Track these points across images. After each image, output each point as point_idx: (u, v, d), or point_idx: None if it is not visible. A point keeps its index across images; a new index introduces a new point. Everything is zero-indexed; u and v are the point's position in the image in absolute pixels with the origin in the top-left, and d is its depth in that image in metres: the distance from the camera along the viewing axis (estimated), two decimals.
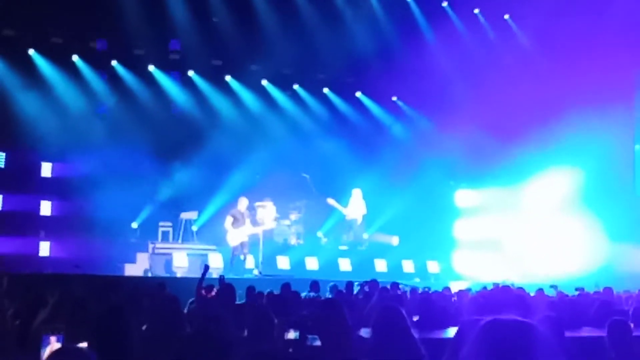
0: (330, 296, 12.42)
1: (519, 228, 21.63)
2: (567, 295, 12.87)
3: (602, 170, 21.17)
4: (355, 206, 21.28)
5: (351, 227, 21.44)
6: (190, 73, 22.29)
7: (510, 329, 2.30)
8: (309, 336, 6.79)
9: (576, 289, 14.28)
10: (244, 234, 18.71)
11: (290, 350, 6.26)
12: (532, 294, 12.68)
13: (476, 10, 23.41)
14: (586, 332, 9.17)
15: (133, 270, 18.77)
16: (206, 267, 12.12)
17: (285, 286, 12.29)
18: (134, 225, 21.21)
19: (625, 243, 20.50)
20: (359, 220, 21.28)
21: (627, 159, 23.86)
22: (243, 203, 19.29)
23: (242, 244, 18.70)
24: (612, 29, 20.85)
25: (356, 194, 21.33)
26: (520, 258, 21.51)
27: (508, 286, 13.72)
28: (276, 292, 11.59)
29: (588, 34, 20.95)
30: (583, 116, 19.93)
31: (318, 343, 6.01)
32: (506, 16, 23.56)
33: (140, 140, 21.41)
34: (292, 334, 6.76)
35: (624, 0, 20.88)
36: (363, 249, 21.23)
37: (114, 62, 21.57)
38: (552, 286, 15.72)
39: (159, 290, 10.88)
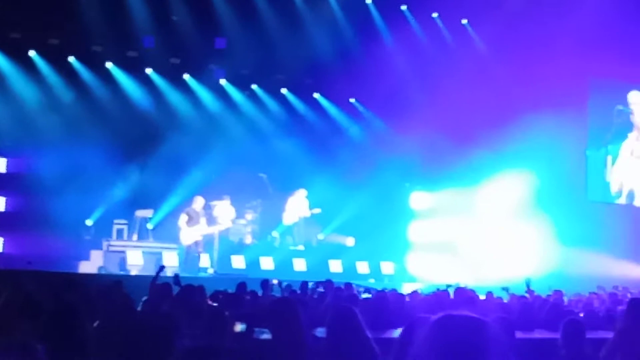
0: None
1: (473, 231, 21.81)
2: (518, 298, 13.01)
3: (555, 175, 21.45)
4: (294, 209, 21.30)
5: (291, 232, 21.51)
6: (149, 71, 22.12)
7: (463, 324, 2.27)
8: (256, 329, 6.81)
9: (527, 291, 14.45)
10: (198, 233, 18.65)
11: (236, 343, 6.26)
12: (483, 297, 12.83)
13: (434, 15, 23.55)
14: (537, 333, 9.29)
15: (87, 267, 18.62)
16: (161, 267, 12.08)
17: (241, 285, 12.29)
18: (89, 222, 21.02)
19: (576, 247, 20.79)
20: (300, 221, 21.33)
21: (579, 164, 24.24)
22: (199, 202, 19.24)
23: (196, 243, 18.65)
24: (567, 37, 21.19)
25: (298, 195, 21.37)
26: (473, 261, 21.68)
27: (460, 288, 13.83)
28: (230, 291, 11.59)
29: (544, 40, 21.27)
30: (537, 121, 20.19)
31: (266, 336, 6.03)
32: (464, 21, 23.75)
33: (96, 137, 21.24)
34: (238, 327, 6.77)
35: (579, 9, 21.20)
36: (299, 248, 21.26)
37: (71, 59, 21.33)
38: (503, 288, 15.89)
39: (114, 287, 10.80)
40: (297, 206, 21.36)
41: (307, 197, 21.43)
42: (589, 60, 22.44)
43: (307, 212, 21.29)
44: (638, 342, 6.63)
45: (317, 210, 21.18)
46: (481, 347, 2.20)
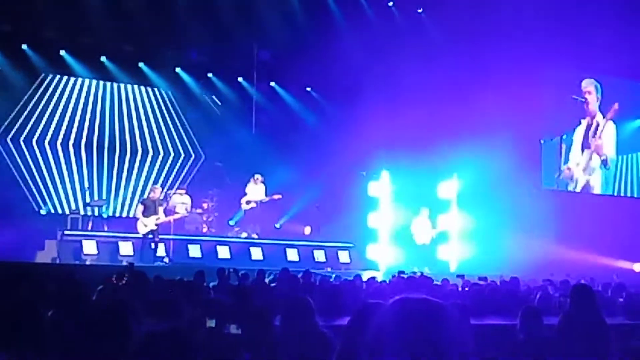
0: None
1: (430, 218, 21.94)
2: (473, 284, 13.14)
3: (510, 163, 21.63)
4: (253, 193, 21.25)
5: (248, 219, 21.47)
6: (103, 59, 21.90)
7: (421, 307, 2.26)
8: (227, 325, 6.79)
9: (479, 279, 14.60)
10: (154, 223, 18.56)
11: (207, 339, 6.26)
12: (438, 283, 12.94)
13: (390, 3, 23.62)
14: (492, 319, 9.38)
15: (41, 257, 18.43)
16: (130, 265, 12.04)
17: (199, 274, 12.25)
18: (42, 211, 20.84)
19: (531, 235, 21.02)
20: (257, 208, 21.29)
21: (534, 152, 24.50)
22: (155, 192, 19.14)
23: (152, 232, 18.54)
24: (521, 27, 21.36)
25: (256, 180, 21.29)
26: (430, 249, 21.83)
27: (416, 274, 13.95)
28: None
29: (498, 30, 21.40)
30: (492, 110, 20.36)
31: (235, 331, 6.02)
32: (419, 10, 23.86)
33: (52, 126, 21.09)
34: (209, 323, 6.74)
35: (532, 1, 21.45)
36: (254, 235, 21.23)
37: (24, 46, 21.04)
38: (458, 275, 16.05)
39: (68, 276, 10.71)
40: (256, 191, 21.28)
41: (263, 182, 21.34)
42: (542, 50, 22.69)
43: (265, 197, 21.21)
44: (580, 326, 6.84)
45: (277, 196, 21.12)
46: (438, 329, 2.19)
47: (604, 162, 25.69)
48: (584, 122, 25.47)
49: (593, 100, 25.61)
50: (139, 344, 2.83)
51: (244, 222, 21.51)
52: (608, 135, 25.79)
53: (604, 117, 25.65)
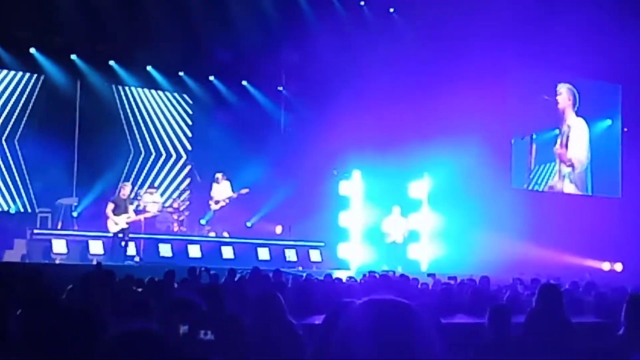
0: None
1: (402, 219, 22.01)
2: (443, 284, 13.19)
3: (481, 163, 21.75)
4: (219, 193, 21.20)
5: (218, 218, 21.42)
6: (73, 57, 21.72)
7: (389, 308, 2.26)
8: (201, 331, 6.74)
9: (449, 278, 14.66)
10: (124, 221, 18.47)
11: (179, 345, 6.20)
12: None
13: (362, 2, 23.65)
14: (461, 318, 9.42)
15: (10, 256, 18.28)
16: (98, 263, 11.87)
17: (169, 273, 12.20)
18: (11, 210, 20.67)
19: (502, 234, 21.14)
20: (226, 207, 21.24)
21: (505, 152, 24.65)
22: (126, 190, 19.04)
23: (123, 231, 18.45)
24: (492, 27, 21.48)
25: (219, 179, 21.23)
26: (401, 248, 21.91)
27: (387, 274, 13.98)
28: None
29: (470, 30, 21.51)
30: (463, 109, 20.46)
31: (210, 338, 5.97)
32: (391, 9, 23.92)
33: (20, 124, 20.92)
34: (181, 329, 6.69)
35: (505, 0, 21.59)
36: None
37: None
38: (429, 274, 16.12)
39: (37, 276, 10.62)
40: (221, 190, 21.21)
41: (227, 179, 21.26)
42: (509, 51, 22.86)
43: (232, 194, 21.14)
44: (546, 324, 6.93)
45: (245, 191, 21.06)
46: (407, 330, 2.19)
47: (572, 167, 25.93)
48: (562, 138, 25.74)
49: (566, 104, 25.82)
50: (107, 344, 2.80)
51: (214, 222, 21.45)
52: (577, 139, 26.00)
53: (580, 121, 25.96)
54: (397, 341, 2.18)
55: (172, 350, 2.78)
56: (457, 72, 21.40)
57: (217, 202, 21.17)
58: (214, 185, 21.25)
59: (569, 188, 25.95)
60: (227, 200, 21.12)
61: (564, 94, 25.82)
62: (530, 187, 25.49)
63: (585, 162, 26.18)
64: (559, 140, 25.77)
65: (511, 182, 25.05)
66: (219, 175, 21.21)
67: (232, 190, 21.15)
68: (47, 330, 3.98)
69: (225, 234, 21.14)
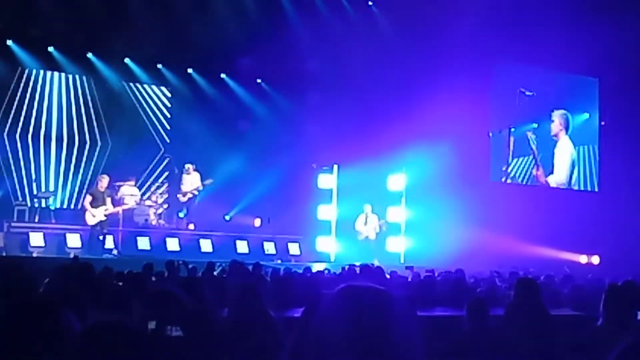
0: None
1: (374, 216, 22.06)
2: (420, 276, 13.24)
3: (459, 156, 21.83)
4: (188, 184, 21.16)
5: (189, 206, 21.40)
6: (50, 49, 21.56)
7: (366, 294, 2.23)
8: (168, 327, 6.71)
9: (427, 271, 14.70)
10: (102, 214, 18.40)
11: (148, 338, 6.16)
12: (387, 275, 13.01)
13: None
14: (440, 310, 9.47)
15: None
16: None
17: (147, 266, 12.16)
18: None
19: (480, 227, 21.20)
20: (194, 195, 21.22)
21: (483, 145, 24.74)
22: (103, 182, 18.96)
23: (101, 224, 18.38)
24: (470, 20, 21.49)
25: (189, 171, 21.18)
26: (380, 242, 21.96)
27: (366, 265, 13.98)
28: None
29: (448, 22, 21.52)
30: (441, 102, 20.48)
31: (178, 334, 5.95)
32: (370, 2, 23.91)
33: None
34: (150, 325, 6.65)
35: None
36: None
37: None
38: (407, 267, 16.17)
39: (14, 269, 10.54)
40: (191, 181, 21.17)
41: (196, 169, 21.20)
42: (491, 44, 22.91)
43: (200, 185, 21.11)
44: (525, 317, 6.99)
45: (208, 181, 21.03)
46: (384, 317, 2.17)
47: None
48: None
49: (558, 130, 26.07)
50: (79, 336, 2.77)
51: (190, 215, 21.44)
52: (561, 165, 26.25)
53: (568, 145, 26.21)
54: (374, 326, 2.15)
55: (143, 344, 2.76)
56: (436, 66, 21.46)
57: (184, 195, 21.15)
58: (184, 176, 21.20)
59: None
60: (196, 192, 21.08)
61: (557, 120, 26.06)
62: (508, 181, 25.58)
63: (565, 182, 26.40)
64: (534, 169, 25.97)
65: (489, 175, 25.14)
66: (189, 166, 21.17)
67: (202, 181, 21.10)
68: (25, 323, 3.94)
69: (190, 226, 21.09)
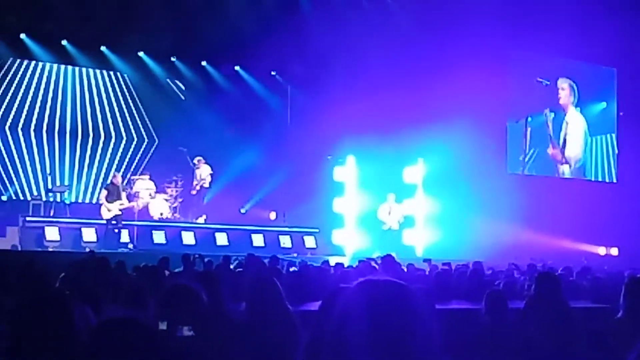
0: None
1: (397, 206, 21.96)
2: (438, 269, 13.14)
3: (476, 147, 21.72)
4: (200, 177, 21.15)
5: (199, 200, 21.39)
6: (64, 42, 21.57)
7: (385, 288, 2.22)
8: (179, 327, 6.66)
9: (443, 264, 14.62)
10: (117, 208, 18.44)
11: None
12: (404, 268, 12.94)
13: None
14: (458, 304, 9.39)
15: (2, 244, 18.21)
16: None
17: (163, 260, 12.14)
18: (3, 198, 20.60)
19: (496, 219, 21.09)
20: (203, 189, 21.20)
21: (500, 135, 24.59)
22: (118, 178, 19.06)
23: (116, 218, 18.42)
24: (487, 10, 21.36)
25: (199, 164, 21.14)
26: (396, 234, 21.87)
27: (389, 256, 13.88)
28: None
29: (464, 12, 21.38)
30: (457, 93, 20.37)
31: (189, 334, 5.89)
32: None
33: (12, 111, 20.83)
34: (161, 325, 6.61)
35: None
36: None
37: None
38: (425, 260, 16.08)
39: (30, 264, 10.55)
40: (203, 174, 21.14)
41: (206, 162, 21.14)
42: (506, 31, 22.76)
43: (207, 178, 21.07)
44: (544, 311, 6.93)
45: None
46: (403, 311, 2.16)
47: (568, 164, 25.94)
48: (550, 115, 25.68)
49: (566, 98, 25.81)
50: (94, 331, 2.72)
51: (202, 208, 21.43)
52: (574, 136, 25.98)
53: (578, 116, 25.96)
54: (393, 320, 2.15)
55: (157, 339, 2.70)
56: (452, 56, 21.29)
57: (193, 188, 21.18)
58: (196, 170, 21.17)
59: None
60: (205, 185, 21.02)
61: (567, 89, 25.80)
62: (525, 171, 25.40)
63: (582, 157, 26.16)
64: (550, 147, 25.73)
65: (506, 166, 24.98)
66: (198, 159, 21.13)
67: (211, 172, 21.07)
68: (33, 319, 3.90)
69: (202, 220, 21.07)
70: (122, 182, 19.15)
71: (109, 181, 19.40)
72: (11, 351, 2.87)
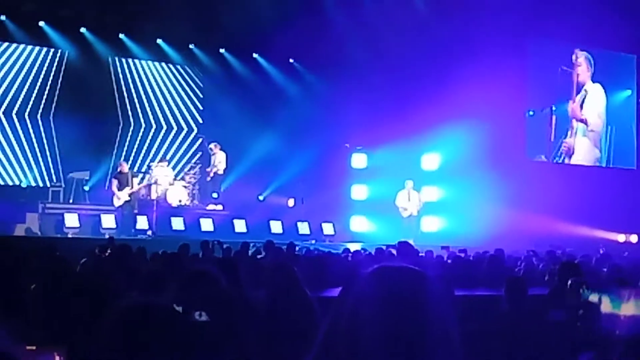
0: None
1: (415, 192, 21.92)
2: (457, 256, 13.13)
3: (495, 135, 21.61)
4: (214, 163, 21.20)
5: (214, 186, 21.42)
6: (83, 30, 21.61)
7: (401, 274, 2.19)
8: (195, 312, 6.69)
9: (460, 251, 14.59)
10: (126, 194, 18.66)
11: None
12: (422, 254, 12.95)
13: None
14: (477, 290, 9.39)
15: (22, 230, 18.36)
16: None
17: (183, 247, 12.18)
18: (23, 184, 20.72)
19: (515, 206, 21.02)
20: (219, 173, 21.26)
21: (518, 124, 24.44)
22: (124, 166, 19.31)
23: (130, 204, 18.60)
24: None
25: (214, 148, 21.18)
26: (414, 221, 21.84)
27: (405, 242, 13.89)
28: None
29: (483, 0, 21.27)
30: (477, 81, 20.26)
31: (205, 318, 5.91)
32: None
33: (30, 98, 20.93)
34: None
35: None
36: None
37: (2, 17, 20.72)
38: (443, 247, 16.06)
39: (50, 250, 10.62)
40: (218, 160, 21.19)
41: (222, 148, 21.18)
42: (526, 20, 22.61)
43: (222, 164, 21.14)
44: (567, 301, 6.94)
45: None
46: (419, 297, 2.13)
47: (585, 123, 25.66)
48: (575, 96, 25.46)
49: (584, 72, 25.59)
50: (114, 317, 2.73)
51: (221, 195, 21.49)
52: (593, 103, 25.73)
53: (598, 88, 25.72)
54: (408, 307, 2.12)
55: (177, 325, 2.71)
56: (470, 45, 21.15)
57: (208, 174, 21.26)
58: (212, 157, 21.22)
59: (583, 142, 25.61)
60: (219, 172, 21.06)
61: (584, 64, 25.55)
62: (553, 160, 25.17)
63: (600, 125, 25.90)
64: (570, 102, 25.45)
65: (525, 153, 24.82)
66: (212, 146, 21.17)
67: (226, 159, 21.12)
68: (63, 303, 3.93)
69: (216, 207, 21.12)
70: (133, 169, 19.28)
71: (118, 170, 19.51)
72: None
